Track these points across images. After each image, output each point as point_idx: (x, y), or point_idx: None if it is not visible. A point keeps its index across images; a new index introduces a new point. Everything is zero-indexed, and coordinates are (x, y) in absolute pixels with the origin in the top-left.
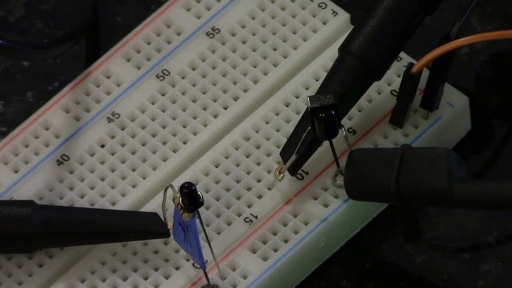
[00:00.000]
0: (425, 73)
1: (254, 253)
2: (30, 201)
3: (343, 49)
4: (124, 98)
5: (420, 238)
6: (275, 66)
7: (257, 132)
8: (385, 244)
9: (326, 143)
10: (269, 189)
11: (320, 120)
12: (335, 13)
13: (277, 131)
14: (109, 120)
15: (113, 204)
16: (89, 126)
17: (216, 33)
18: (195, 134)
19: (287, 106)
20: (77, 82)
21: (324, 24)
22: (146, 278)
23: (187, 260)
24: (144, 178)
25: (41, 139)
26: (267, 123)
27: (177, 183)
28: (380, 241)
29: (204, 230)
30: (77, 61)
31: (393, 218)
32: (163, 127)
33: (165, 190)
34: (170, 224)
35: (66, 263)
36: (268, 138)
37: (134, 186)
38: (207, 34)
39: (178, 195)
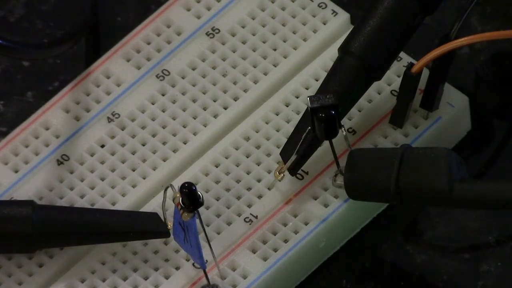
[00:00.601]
0: (425, 73)
1: (254, 253)
2: (30, 201)
3: (343, 49)
4: (124, 98)
5: (420, 238)
6: (275, 66)
7: (257, 132)
8: (385, 244)
9: (326, 143)
10: (269, 189)
11: (320, 120)
12: (335, 13)
13: (277, 131)
14: (109, 120)
15: (113, 204)
16: (89, 126)
17: (216, 33)
18: (195, 134)
19: (287, 106)
20: (77, 82)
21: (324, 24)
22: (146, 278)
23: (187, 260)
24: (144, 178)
25: (41, 139)
26: (267, 123)
27: (177, 183)
28: (380, 241)
29: (204, 230)
30: (77, 61)
31: (393, 218)
32: (163, 127)
33: (165, 190)
34: (170, 224)
35: (66, 263)
36: (268, 138)
37: (134, 186)
38: (207, 34)
39: (178, 195)
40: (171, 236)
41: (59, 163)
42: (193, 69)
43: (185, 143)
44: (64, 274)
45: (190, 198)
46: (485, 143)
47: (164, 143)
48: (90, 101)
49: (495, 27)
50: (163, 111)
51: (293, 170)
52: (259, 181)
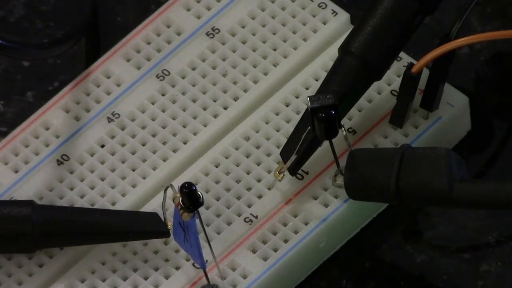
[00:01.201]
0: (425, 73)
1: (254, 253)
2: (30, 201)
3: (343, 49)
4: (124, 98)
5: (420, 238)
6: (275, 66)
7: (257, 132)
8: (385, 244)
9: (326, 143)
10: (269, 189)
11: (320, 120)
12: (335, 13)
13: (277, 131)
14: (109, 120)
15: (113, 204)
16: (89, 126)
17: (216, 33)
18: (195, 134)
19: (287, 106)
20: (77, 82)
21: (324, 24)
22: (146, 278)
23: (187, 260)
24: (144, 178)
25: (41, 139)
26: (267, 123)
27: (177, 183)
28: (380, 241)
29: (204, 230)
30: (77, 61)
31: (393, 218)
32: (163, 127)
33: (165, 190)
34: (170, 224)
35: (66, 263)
36: (268, 138)
37: (134, 186)
38: (207, 34)
39: (178, 195)
40: (171, 236)
41: (59, 163)
42: (193, 69)
43: (185, 143)
44: (64, 274)
45: (190, 198)
46: (485, 143)
47: (164, 143)
48: (90, 101)
49: (495, 27)
50: (163, 111)
51: (293, 170)
52: (259, 181)
